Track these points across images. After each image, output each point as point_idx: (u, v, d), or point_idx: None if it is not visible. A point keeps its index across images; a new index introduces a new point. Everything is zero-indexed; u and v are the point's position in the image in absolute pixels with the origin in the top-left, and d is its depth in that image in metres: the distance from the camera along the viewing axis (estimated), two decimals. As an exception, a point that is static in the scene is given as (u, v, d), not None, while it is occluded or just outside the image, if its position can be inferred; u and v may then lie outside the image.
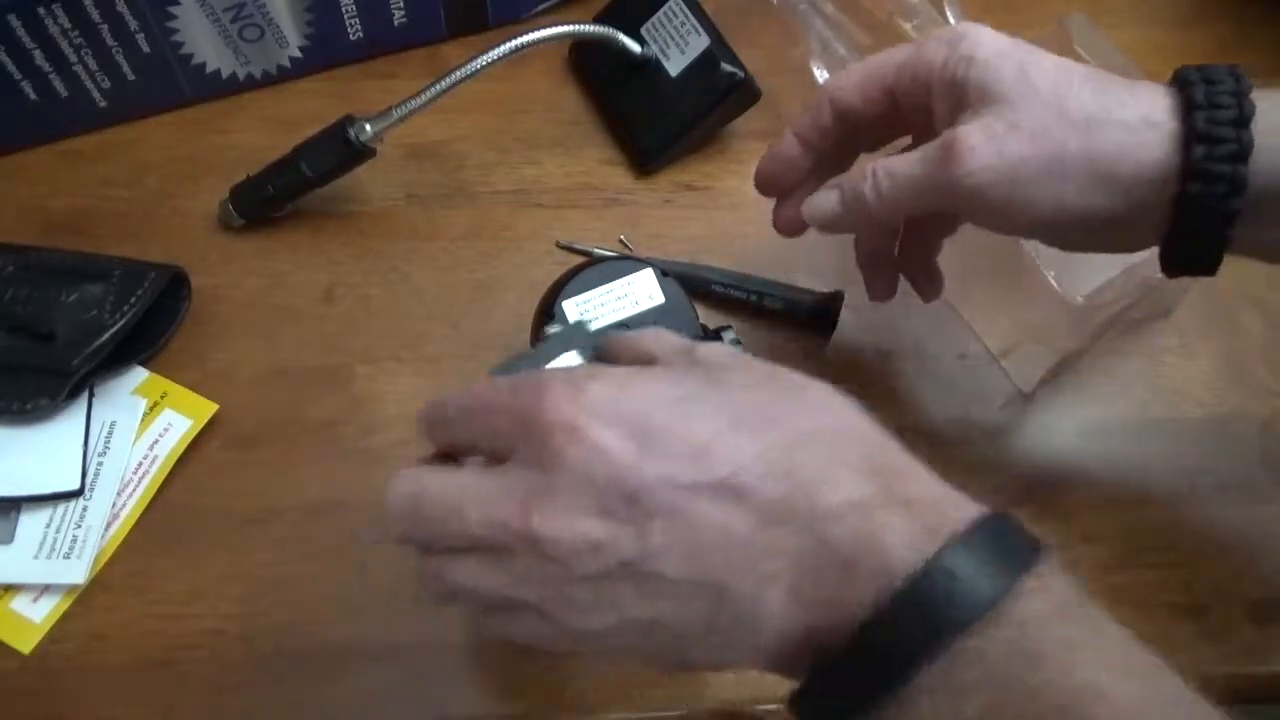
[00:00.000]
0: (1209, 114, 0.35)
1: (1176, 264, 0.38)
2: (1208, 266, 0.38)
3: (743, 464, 0.28)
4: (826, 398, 0.31)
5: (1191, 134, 0.35)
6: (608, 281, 0.44)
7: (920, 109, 0.40)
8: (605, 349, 0.36)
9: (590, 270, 0.44)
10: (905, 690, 0.26)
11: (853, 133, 0.43)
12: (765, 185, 0.45)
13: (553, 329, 0.42)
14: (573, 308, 0.43)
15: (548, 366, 0.36)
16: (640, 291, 0.44)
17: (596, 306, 0.44)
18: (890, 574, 0.26)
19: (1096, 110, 0.36)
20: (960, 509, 0.28)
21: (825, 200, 0.42)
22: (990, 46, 0.38)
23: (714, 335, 0.44)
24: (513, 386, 0.31)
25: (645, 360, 0.33)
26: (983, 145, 0.36)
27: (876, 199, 0.39)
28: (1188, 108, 0.36)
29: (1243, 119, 0.35)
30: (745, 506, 0.28)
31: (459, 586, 0.31)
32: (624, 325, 0.43)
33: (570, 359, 0.36)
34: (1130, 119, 0.36)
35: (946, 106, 0.38)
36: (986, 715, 0.26)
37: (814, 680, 0.28)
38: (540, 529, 0.28)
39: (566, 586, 0.29)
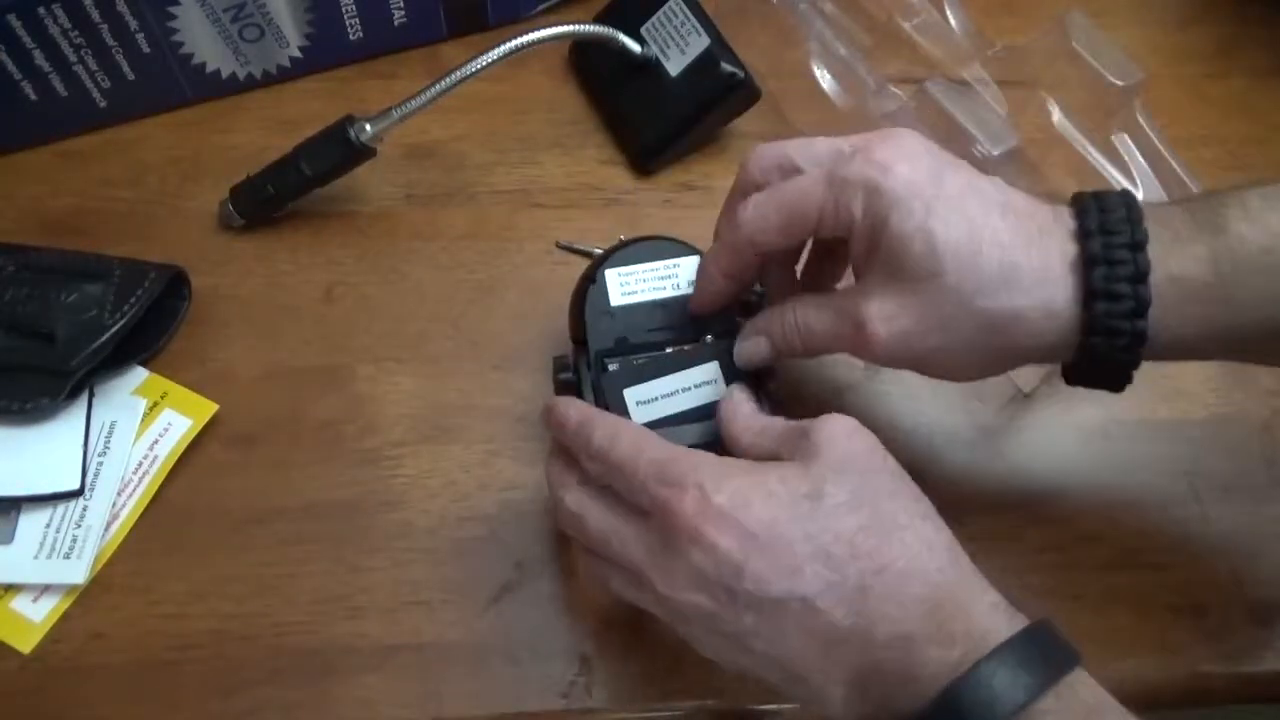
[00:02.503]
0: (1107, 270, 0.36)
1: (1081, 383, 0.40)
2: (1114, 388, 0.40)
3: (821, 590, 0.34)
4: (909, 521, 0.35)
5: (1090, 292, 0.36)
6: (655, 260, 0.45)
7: (839, 241, 0.41)
8: (725, 439, 0.40)
9: (640, 245, 0.46)
10: None
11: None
12: (703, 311, 0.45)
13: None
14: (615, 277, 0.44)
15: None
16: (683, 277, 0.45)
17: (639, 280, 0.45)
18: (923, 697, 0.32)
19: (999, 292, 0.37)
20: (998, 636, 0.32)
21: (756, 348, 0.43)
22: (905, 207, 0.37)
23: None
24: (659, 474, 0.36)
25: (765, 453, 0.38)
26: (888, 335, 0.38)
27: (800, 345, 0.42)
28: (1087, 264, 0.36)
29: (1139, 274, 0.36)
30: (820, 621, 0.34)
31: (618, 593, 0.39)
32: (660, 305, 0.44)
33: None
34: (1032, 304, 0.37)
35: (862, 250, 0.39)
36: None
37: None
38: (658, 587, 0.36)
39: (678, 619, 0.37)
